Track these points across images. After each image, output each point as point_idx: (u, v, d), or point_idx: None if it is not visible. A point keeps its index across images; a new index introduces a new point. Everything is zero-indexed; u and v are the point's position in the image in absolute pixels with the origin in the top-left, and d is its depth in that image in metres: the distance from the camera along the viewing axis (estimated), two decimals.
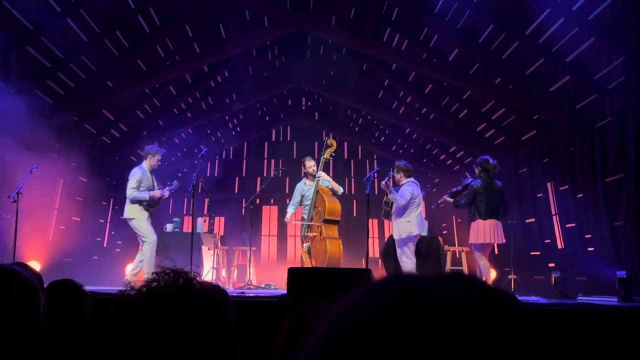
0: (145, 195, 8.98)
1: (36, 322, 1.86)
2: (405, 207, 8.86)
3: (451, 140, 14.34)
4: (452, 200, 9.08)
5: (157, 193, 9.11)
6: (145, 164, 9.27)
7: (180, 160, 17.12)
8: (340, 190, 10.02)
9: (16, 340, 1.77)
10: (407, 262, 8.92)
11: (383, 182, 9.07)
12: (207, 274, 10.18)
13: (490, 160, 8.96)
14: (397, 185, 9.35)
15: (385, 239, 10.90)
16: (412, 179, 9.28)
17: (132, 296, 1.22)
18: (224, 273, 11.30)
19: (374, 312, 0.57)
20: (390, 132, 17.21)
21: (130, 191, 8.94)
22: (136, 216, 9.04)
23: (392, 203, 9.16)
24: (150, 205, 9.15)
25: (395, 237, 9.10)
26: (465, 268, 10.06)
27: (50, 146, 11.18)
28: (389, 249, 10.10)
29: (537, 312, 5.89)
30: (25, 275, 1.88)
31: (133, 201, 9.00)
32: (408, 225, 8.90)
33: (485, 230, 8.56)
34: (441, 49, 11.87)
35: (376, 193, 16.94)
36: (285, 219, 10.38)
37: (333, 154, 10.04)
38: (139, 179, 9.03)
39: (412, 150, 17.08)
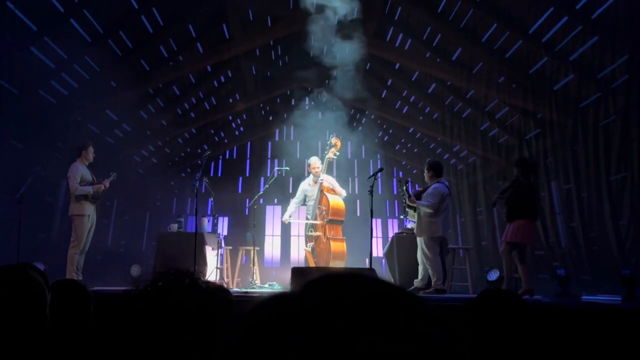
0: (90, 190, 9.04)
1: (42, 322, 1.86)
2: (434, 208, 8.80)
3: (455, 139, 14.33)
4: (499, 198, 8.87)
5: (100, 187, 9.17)
6: (81, 160, 9.29)
7: (184, 160, 17.14)
8: (343, 193, 9.94)
9: (23, 340, 1.77)
10: (428, 262, 8.87)
11: (408, 199, 9.05)
12: (211, 274, 10.19)
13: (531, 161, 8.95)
14: (425, 184, 9.32)
15: (389, 239, 10.88)
16: (442, 178, 9.18)
17: (137, 296, 1.22)
18: (227, 273, 11.31)
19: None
20: (394, 131, 17.21)
21: (75, 186, 8.97)
22: (83, 213, 9.07)
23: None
24: (95, 198, 9.21)
25: (419, 236, 9.05)
26: (467, 267, 10.02)
27: (54, 147, 11.21)
28: (393, 249, 10.08)
29: (541, 311, 5.89)
30: (34, 276, 1.89)
31: (79, 197, 9.02)
32: (432, 225, 8.81)
33: (535, 230, 8.49)
34: (445, 48, 11.88)
35: (379, 193, 16.99)
36: (283, 218, 10.35)
37: (337, 153, 9.97)
38: (80, 174, 9.08)
39: (415, 150, 17.06)
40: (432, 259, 8.79)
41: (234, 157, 18.66)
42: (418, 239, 9.04)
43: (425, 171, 9.26)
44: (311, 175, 10.14)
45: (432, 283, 8.74)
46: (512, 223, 8.17)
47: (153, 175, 16.04)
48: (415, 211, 9.14)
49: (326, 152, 9.91)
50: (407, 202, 9.15)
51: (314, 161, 10.04)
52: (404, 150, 17.75)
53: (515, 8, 9.87)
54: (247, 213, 16.67)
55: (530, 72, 10.69)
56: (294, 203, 10.27)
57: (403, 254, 9.89)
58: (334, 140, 9.90)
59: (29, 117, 10.26)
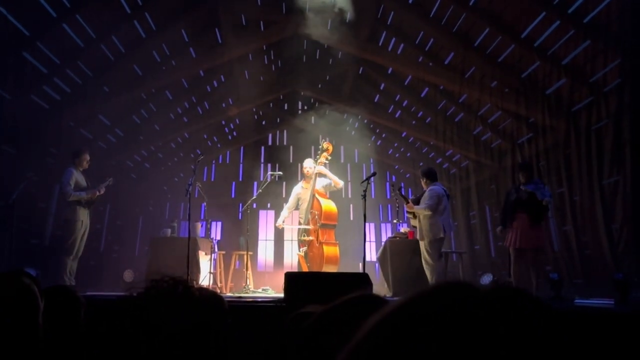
0: (83, 195, 9.06)
1: (35, 330, 1.85)
2: (433, 210, 8.83)
3: (448, 143, 14.34)
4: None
5: (94, 193, 9.20)
6: (76, 166, 9.29)
7: (177, 165, 17.11)
8: (340, 184, 9.94)
9: (16, 348, 1.76)
10: (427, 266, 8.91)
11: (406, 206, 9.13)
12: (204, 279, 10.17)
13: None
14: (422, 190, 9.36)
15: (383, 243, 10.88)
16: (437, 182, 9.25)
17: (130, 303, 1.22)
18: (221, 277, 11.29)
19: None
20: (387, 135, 17.21)
21: (68, 191, 8.97)
22: (76, 218, 9.07)
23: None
24: (89, 204, 9.21)
25: (420, 239, 9.07)
26: (460, 271, 10.04)
27: (46, 152, 11.17)
28: (387, 253, 10.09)
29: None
30: (27, 283, 1.88)
31: (71, 202, 9.03)
32: (434, 227, 8.85)
33: None
34: (437, 52, 11.91)
35: (373, 197, 16.99)
36: (277, 224, 10.36)
37: (329, 157, 9.97)
38: (74, 179, 9.08)
39: (408, 154, 17.08)
40: (431, 263, 8.84)
41: (227, 161, 18.61)
42: (420, 243, 9.09)
43: (421, 179, 9.35)
44: (304, 178, 10.15)
45: None
46: (538, 227, 8.21)
47: (146, 180, 16.01)
48: (415, 217, 9.19)
49: (318, 156, 9.91)
50: (407, 208, 9.21)
51: (307, 163, 10.05)
52: (397, 155, 17.74)
53: (507, 13, 9.89)
54: (240, 218, 16.63)
55: (523, 77, 10.72)
56: (287, 208, 10.29)
57: (396, 258, 9.90)
58: (325, 144, 9.90)
59: (21, 122, 10.23)
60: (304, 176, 10.23)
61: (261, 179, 17.52)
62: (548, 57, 9.86)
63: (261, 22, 12.51)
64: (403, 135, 16.44)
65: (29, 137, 10.42)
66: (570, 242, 10.16)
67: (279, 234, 17.24)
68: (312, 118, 16.22)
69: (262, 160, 18.53)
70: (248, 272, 10.71)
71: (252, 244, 14.47)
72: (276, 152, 18.30)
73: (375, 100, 15.70)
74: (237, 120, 17.35)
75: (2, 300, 1.79)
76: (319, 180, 9.88)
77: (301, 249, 9.85)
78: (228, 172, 18.29)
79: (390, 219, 17.51)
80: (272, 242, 17.55)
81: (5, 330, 1.74)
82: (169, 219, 16.02)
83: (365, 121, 16.45)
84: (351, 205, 17.05)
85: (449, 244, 14.70)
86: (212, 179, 18.21)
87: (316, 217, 9.54)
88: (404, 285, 9.40)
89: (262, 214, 17.82)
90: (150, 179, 16.18)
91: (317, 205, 9.59)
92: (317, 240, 9.52)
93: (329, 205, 9.64)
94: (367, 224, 8.65)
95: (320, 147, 9.96)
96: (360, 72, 14.63)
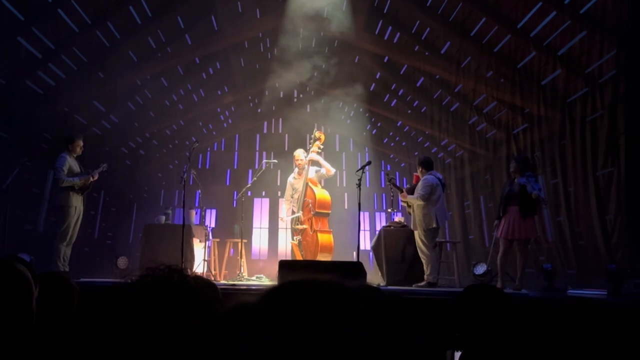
0: (76, 180, 9.02)
1: (29, 317, 1.85)
2: (425, 200, 8.85)
3: (443, 133, 14.34)
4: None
5: (87, 179, 9.17)
6: (69, 152, 9.25)
7: (172, 152, 17.09)
8: (332, 170, 9.93)
9: (9, 335, 1.76)
10: (423, 255, 8.93)
11: (400, 195, 9.17)
12: (198, 266, 10.17)
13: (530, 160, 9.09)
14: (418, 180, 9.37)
15: (377, 232, 10.90)
16: (433, 171, 9.24)
17: (125, 291, 1.22)
18: (215, 265, 11.29)
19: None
20: (382, 124, 17.21)
21: (62, 177, 8.94)
22: (70, 204, 9.03)
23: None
24: (82, 189, 9.18)
25: (414, 229, 9.09)
26: (454, 261, 10.06)
27: (40, 137, 11.14)
28: (381, 242, 10.10)
29: (527, 305, 5.91)
30: (21, 269, 1.87)
31: (65, 188, 8.99)
32: (426, 217, 8.87)
33: None
34: (433, 41, 11.90)
35: (367, 186, 17.01)
36: (281, 216, 10.37)
37: (321, 147, 9.98)
38: (67, 165, 9.04)
39: (404, 143, 17.08)
40: (426, 252, 8.86)
41: (222, 149, 18.62)
42: (415, 233, 9.10)
43: (417, 167, 9.36)
44: (296, 169, 10.13)
45: (425, 276, 8.79)
46: (530, 219, 8.21)
47: (140, 167, 15.98)
48: (410, 207, 9.21)
49: (311, 145, 9.92)
50: (400, 197, 9.24)
51: (298, 154, 10.04)
52: (392, 144, 17.76)
53: (504, 2, 9.88)
54: (235, 205, 16.64)
55: (519, 67, 10.72)
56: (286, 201, 10.27)
57: (390, 248, 9.90)
58: (317, 134, 9.91)
59: (15, 107, 10.20)
60: (296, 166, 10.22)
61: (256, 166, 17.50)
62: (544, 47, 9.86)
63: (257, 10, 12.46)
64: (398, 124, 16.44)
65: (23, 122, 10.39)
66: (564, 232, 10.19)
67: (273, 222, 17.27)
68: (308, 106, 16.20)
69: (257, 148, 18.54)
70: (242, 259, 10.70)
71: (246, 232, 14.49)
72: (271, 140, 18.31)
73: (371, 89, 15.68)
74: (232, 108, 17.34)
75: None
76: (312, 169, 9.88)
77: (295, 238, 9.85)
78: (223, 160, 18.30)
79: (384, 208, 17.55)
80: (267, 230, 17.59)
81: None
82: (163, 206, 16.01)
83: (361, 110, 16.45)
84: (346, 194, 17.06)
85: (443, 233, 14.74)
86: (207, 167, 18.22)
87: (309, 205, 9.55)
88: (398, 274, 9.42)
89: (257, 201, 17.84)
90: (144, 166, 16.15)
91: (310, 194, 9.60)
92: (310, 228, 9.53)
93: (322, 193, 9.64)
94: (361, 213, 8.67)
95: (313, 136, 9.96)
96: (356, 60, 14.60)
